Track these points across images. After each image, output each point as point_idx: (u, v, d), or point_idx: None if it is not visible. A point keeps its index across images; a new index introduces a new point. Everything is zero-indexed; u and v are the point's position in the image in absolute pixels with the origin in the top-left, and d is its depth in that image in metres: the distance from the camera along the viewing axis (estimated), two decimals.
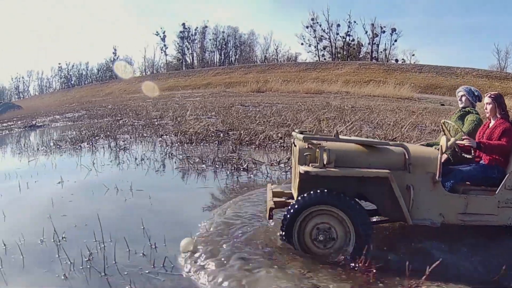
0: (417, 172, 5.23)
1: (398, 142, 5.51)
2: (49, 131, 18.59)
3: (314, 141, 5.14)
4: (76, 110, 26.67)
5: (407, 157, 5.17)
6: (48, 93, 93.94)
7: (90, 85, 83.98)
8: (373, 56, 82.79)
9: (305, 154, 5.10)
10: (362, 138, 5.71)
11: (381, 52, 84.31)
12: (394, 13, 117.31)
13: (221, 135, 13.90)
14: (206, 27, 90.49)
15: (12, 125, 21.29)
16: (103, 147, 12.81)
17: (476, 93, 6.89)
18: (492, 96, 6.08)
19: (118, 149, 12.48)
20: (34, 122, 20.87)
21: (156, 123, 17.64)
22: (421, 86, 46.12)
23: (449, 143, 5.77)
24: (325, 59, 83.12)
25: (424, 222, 5.31)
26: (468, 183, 5.87)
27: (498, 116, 6.02)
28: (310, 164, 5.00)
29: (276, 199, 5.87)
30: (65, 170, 9.49)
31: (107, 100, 38.40)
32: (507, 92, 41.90)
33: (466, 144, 5.82)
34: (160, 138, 13.95)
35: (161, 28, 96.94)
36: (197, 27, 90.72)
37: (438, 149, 5.60)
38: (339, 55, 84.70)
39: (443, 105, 32.30)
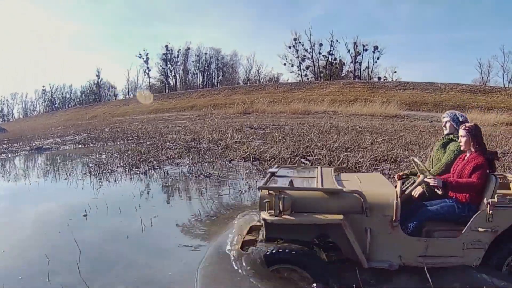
0: (374, 216, 5.30)
1: (354, 189, 5.30)
2: (65, 154, 18.09)
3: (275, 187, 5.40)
4: (76, 133, 26.25)
5: (363, 201, 5.23)
6: (32, 116, 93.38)
7: (74, 108, 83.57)
8: (356, 74, 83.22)
9: (265, 201, 5.29)
10: (317, 187, 5.55)
11: (364, 70, 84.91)
12: (376, 30, 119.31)
13: (301, 159, 13.37)
14: (189, 48, 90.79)
15: (10, 148, 20.65)
16: (183, 174, 12.48)
17: (461, 119, 6.71)
18: (466, 128, 5.91)
19: (203, 176, 11.87)
20: (36, 145, 20.35)
21: (195, 146, 17.21)
22: (406, 103, 46.31)
23: (418, 181, 5.81)
24: (308, 79, 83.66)
25: (381, 264, 5.35)
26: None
27: (473, 149, 5.87)
28: (267, 211, 5.24)
29: (248, 237, 6.19)
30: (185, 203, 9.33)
31: (94, 123, 37.90)
32: (492, 106, 42.40)
33: (431, 184, 5.70)
34: (230, 164, 13.57)
35: (144, 50, 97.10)
36: (179, 49, 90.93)
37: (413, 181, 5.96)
38: (321, 75, 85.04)
39: (431, 121, 32.31)
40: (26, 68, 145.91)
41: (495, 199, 5.39)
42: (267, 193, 5.37)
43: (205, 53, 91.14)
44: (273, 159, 13.38)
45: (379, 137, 18.56)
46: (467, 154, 5.93)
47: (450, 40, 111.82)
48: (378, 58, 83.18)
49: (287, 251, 5.20)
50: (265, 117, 33.63)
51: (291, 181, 5.53)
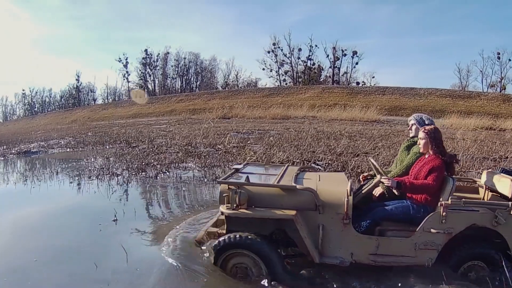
0: (327, 213, 5.55)
1: (306, 186, 5.63)
2: (56, 158, 17.84)
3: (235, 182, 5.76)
4: (60, 137, 25.98)
5: (315, 199, 5.50)
6: (12, 120, 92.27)
7: (54, 112, 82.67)
8: (335, 79, 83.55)
9: (224, 195, 5.62)
10: (271, 183, 5.86)
11: (342, 75, 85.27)
12: (355, 35, 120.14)
13: (312, 165, 13.17)
14: (168, 53, 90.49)
15: None
16: (196, 178, 12.50)
17: (427, 121, 6.85)
18: (425, 131, 6.07)
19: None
20: (23, 149, 20.01)
21: (192, 150, 17.15)
22: (385, 108, 46.52)
23: (374, 182, 6.12)
24: (286, 84, 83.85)
25: (333, 261, 5.58)
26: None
27: (431, 152, 6.03)
28: (226, 205, 5.58)
29: (212, 229, 6.44)
30: None
31: (75, 127, 37.51)
32: (471, 111, 42.80)
33: (385, 185, 5.99)
34: None
35: (123, 54, 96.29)
36: (159, 53, 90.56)
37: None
38: (300, 80, 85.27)
39: None
40: (5, 72, 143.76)
41: (449, 201, 5.54)
42: (227, 188, 5.65)
43: (184, 58, 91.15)
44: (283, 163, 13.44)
45: (371, 141, 18.84)
46: (426, 156, 6.12)
47: (428, 45, 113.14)
48: (357, 63, 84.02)
49: (237, 237, 5.52)
50: (245, 122, 33.55)
51: (247, 177, 5.83)
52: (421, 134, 6.17)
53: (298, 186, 5.62)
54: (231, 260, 5.65)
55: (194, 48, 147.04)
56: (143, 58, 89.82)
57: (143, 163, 14.29)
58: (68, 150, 20.01)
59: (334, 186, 5.91)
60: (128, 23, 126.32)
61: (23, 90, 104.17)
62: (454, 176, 6.03)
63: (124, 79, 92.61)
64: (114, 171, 13.37)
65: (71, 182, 12.34)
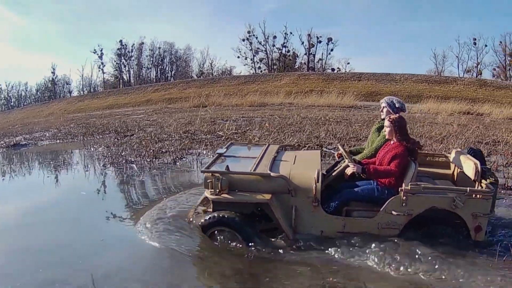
0: (299, 196, 6.26)
1: (279, 174, 6.36)
2: (51, 149, 17.65)
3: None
4: (44, 129, 25.65)
5: (288, 184, 6.22)
6: None
7: (30, 106, 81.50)
8: (310, 66, 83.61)
9: (208, 181, 6.33)
10: (250, 171, 6.55)
11: (317, 61, 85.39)
12: (329, 22, 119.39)
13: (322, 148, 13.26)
14: (143, 43, 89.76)
15: None
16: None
17: (397, 105, 7.24)
18: (390, 120, 6.55)
19: None
20: (11, 142, 19.68)
21: (193, 137, 17.35)
22: (361, 94, 46.65)
23: (342, 166, 6.72)
24: (261, 71, 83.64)
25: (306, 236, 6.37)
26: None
27: (395, 139, 6.53)
28: (210, 190, 6.31)
29: (201, 207, 7.18)
30: None
31: (52, 120, 37.07)
32: (448, 96, 43.18)
33: (351, 170, 6.47)
34: None
35: (98, 45, 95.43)
36: (133, 44, 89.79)
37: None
38: (275, 67, 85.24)
39: None
40: None
41: (409, 187, 6.08)
42: (210, 175, 6.34)
43: (159, 47, 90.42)
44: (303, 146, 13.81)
45: (361, 126, 19.17)
46: (391, 142, 6.62)
47: (404, 31, 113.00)
48: (332, 50, 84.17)
49: (221, 215, 6.26)
50: (223, 110, 33.43)
51: (227, 166, 6.46)
52: (386, 123, 6.62)
53: (272, 174, 6.29)
54: (215, 234, 6.40)
55: (168, 38, 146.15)
56: (118, 49, 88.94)
57: (154, 151, 14.39)
58: (58, 141, 19.80)
59: (305, 171, 6.51)
60: (103, 16, 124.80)
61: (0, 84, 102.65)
62: (416, 160, 6.47)
63: (99, 71, 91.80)
64: (127, 158, 13.52)
65: (86, 171, 12.63)
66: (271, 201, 6.15)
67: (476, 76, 69.71)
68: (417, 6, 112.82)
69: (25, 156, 16.32)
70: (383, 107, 7.34)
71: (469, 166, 6.68)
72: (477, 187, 6.37)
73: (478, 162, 6.52)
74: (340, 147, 7.08)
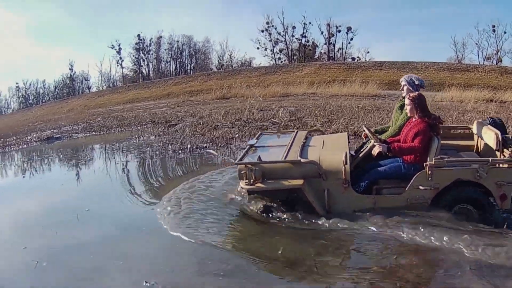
0: (330, 179, 6.68)
1: (309, 159, 6.79)
2: (93, 141, 18.14)
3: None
4: (73, 124, 26.00)
5: (318, 169, 6.64)
6: (7, 114, 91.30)
7: (49, 103, 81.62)
8: (330, 56, 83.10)
9: (242, 172, 6.75)
10: (281, 159, 6.98)
11: (337, 51, 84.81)
12: (347, 10, 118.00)
13: None
14: (161, 37, 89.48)
15: (11, 141, 20.09)
16: None
17: (417, 82, 7.55)
18: (410, 97, 6.85)
19: None
20: (46, 136, 20.06)
21: (250, 125, 17.52)
22: (384, 83, 46.23)
23: (369, 146, 7.12)
24: (281, 62, 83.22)
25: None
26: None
27: (416, 116, 6.84)
28: (244, 181, 6.75)
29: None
30: None
31: (72, 116, 37.32)
32: (469, 84, 42.55)
33: (378, 149, 6.84)
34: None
35: (116, 40, 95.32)
36: (151, 38, 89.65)
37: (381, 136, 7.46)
38: (295, 57, 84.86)
39: None
40: None
41: (433, 161, 6.42)
42: (244, 166, 6.77)
43: (177, 41, 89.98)
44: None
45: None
46: (413, 120, 6.93)
47: (422, 18, 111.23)
48: (351, 39, 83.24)
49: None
50: (246, 101, 33.30)
51: (259, 157, 6.90)
52: (406, 101, 6.95)
53: (302, 160, 6.72)
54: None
55: (186, 31, 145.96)
56: (136, 43, 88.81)
57: (215, 137, 14.83)
58: (94, 134, 20.08)
59: (334, 154, 6.93)
60: (119, 8, 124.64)
61: (17, 83, 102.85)
62: (439, 135, 6.81)
63: (118, 66, 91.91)
64: (197, 144, 13.98)
65: (163, 157, 13.08)
66: (304, 186, 6.57)
67: (496, 64, 68.74)
68: None
69: (85, 147, 16.87)
70: (403, 85, 7.65)
71: (490, 136, 7.09)
72: (500, 157, 6.80)
73: (498, 132, 6.90)
74: (364, 128, 7.56)
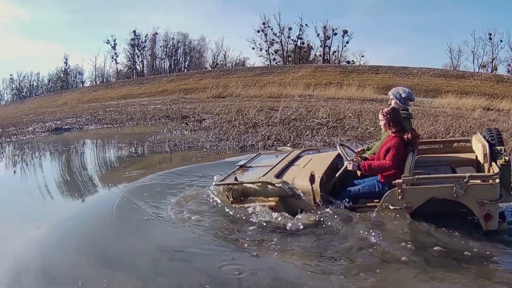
0: (302, 199, 6.59)
1: (281, 180, 6.79)
2: (109, 133, 17.99)
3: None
4: (75, 116, 26.01)
5: (291, 189, 6.62)
6: (1, 106, 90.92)
7: (43, 96, 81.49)
8: (325, 58, 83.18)
9: (224, 192, 7.10)
10: (255, 180, 7.01)
11: (332, 54, 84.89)
12: (344, 13, 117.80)
13: None
14: (157, 33, 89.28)
15: (16, 131, 20.03)
16: None
17: (404, 95, 7.28)
18: (383, 112, 6.58)
19: None
20: (52, 126, 19.91)
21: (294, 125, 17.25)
22: (380, 87, 46.23)
23: (343, 168, 6.83)
24: (276, 63, 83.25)
25: None
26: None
27: (389, 131, 6.56)
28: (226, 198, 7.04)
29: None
30: None
31: (65, 110, 37.20)
32: (465, 91, 42.82)
33: (348, 169, 6.68)
34: None
35: (111, 36, 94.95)
36: (147, 34, 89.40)
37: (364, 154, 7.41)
38: (290, 59, 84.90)
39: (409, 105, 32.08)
40: None
41: (401, 180, 6.00)
42: (225, 185, 7.11)
43: (173, 38, 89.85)
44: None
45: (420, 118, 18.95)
46: (387, 135, 6.67)
47: (418, 23, 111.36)
48: (347, 42, 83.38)
49: None
50: (244, 100, 33.25)
51: (235, 178, 7.11)
52: (380, 116, 6.65)
53: (274, 181, 6.72)
54: None
55: (182, 29, 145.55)
56: (132, 39, 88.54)
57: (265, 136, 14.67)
58: (105, 126, 20.10)
59: (306, 175, 6.64)
60: (115, 5, 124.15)
61: (11, 75, 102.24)
62: (415, 150, 6.49)
63: (112, 61, 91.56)
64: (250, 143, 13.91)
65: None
66: (278, 205, 6.64)
67: (492, 72, 68.96)
68: None
69: (112, 139, 16.73)
70: (391, 99, 7.42)
71: (478, 148, 6.72)
72: (488, 170, 6.20)
73: (486, 144, 6.40)
74: (338, 147, 7.44)
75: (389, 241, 5.72)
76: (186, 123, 18.42)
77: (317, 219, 6.39)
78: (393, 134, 6.43)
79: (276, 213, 6.61)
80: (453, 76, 51.70)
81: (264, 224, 6.54)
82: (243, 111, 21.22)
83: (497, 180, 5.82)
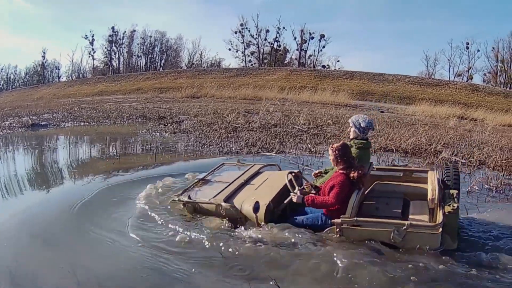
0: (247, 223, 6.62)
1: (229, 204, 6.90)
2: (89, 131, 17.82)
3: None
4: (51, 112, 25.71)
5: (237, 213, 6.76)
6: None
7: (19, 89, 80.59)
8: (301, 62, 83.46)
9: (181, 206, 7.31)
10: (207, 201, 7.14)
11: (308, 58, 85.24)
12: (322, 17, 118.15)
13: None
14: (135, 31, 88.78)
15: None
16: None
17: (363, 124, 7.05)
18: (332, 148, 6.47)
19: None
20: (30, 122, 19.71)
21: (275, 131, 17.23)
22: (354, 93, 46.63)
23: (289, 198, 6.63)
24: (251, 64, 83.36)
25: None
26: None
27: (337, 168, 6.48)
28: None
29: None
30: None
31: (40, 104, 36.75)
32: (440, 99, 43.42)
33: (293, 201, 6.49)
34: None
35: (90, 31, 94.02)
36: (125, 31, 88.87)
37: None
38: (265, 61, 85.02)
39: (382, 112, 32.46)
40: None
41: (339, 220, 5.99)
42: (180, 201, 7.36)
43: (150, 36, 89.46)
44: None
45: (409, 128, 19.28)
46: (335, 171, 6.60)
47: (396, 31, 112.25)
48: (324, 47, 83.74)
49: None
50: (219, 102, 33.31)
51: (189, 196, 7.36)
52: (329, 151, 6.55)
53: (223, 204, 6.88)
54: None
55: (160, 27, 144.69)
56: (110, 36, 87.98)
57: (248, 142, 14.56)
58: (82, 124, 19.87)
59: (254, 200, 6.60)
60: (95, 1, 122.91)
61: None
62: (361, 188, 6.38)
63: (89, 57, 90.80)
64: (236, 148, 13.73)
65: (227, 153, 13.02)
66: (225, 226, 6.70)
67: (467, 81, 69.90)
68: (410, 5, 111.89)
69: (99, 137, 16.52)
70: (350, 127, 7.22)
71: (430, 189, 6.40)
72: (437, 215, 5.96)
73: (436, 189, 6.20)
74: (286, 177, 6.98)
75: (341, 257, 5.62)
76: (164, 124, 18.30)
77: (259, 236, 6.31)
78: (340, 171, 6.35)
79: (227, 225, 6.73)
80: (428, 84, 52.41)
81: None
82: (220, 114, 21.26)
83: (440, 230, 5.64)
